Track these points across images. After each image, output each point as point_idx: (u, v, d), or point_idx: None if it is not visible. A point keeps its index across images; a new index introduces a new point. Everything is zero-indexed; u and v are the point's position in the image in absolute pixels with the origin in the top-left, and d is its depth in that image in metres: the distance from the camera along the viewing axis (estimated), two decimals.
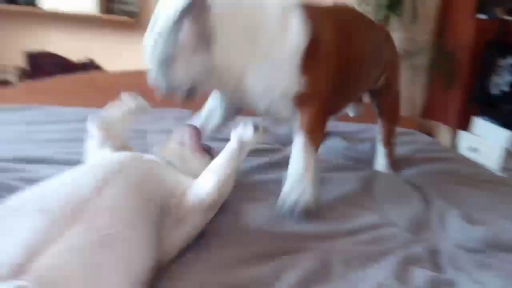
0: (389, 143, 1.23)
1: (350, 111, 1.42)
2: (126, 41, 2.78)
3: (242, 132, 0.80)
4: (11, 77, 2.67)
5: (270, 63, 0.83)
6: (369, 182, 1.08)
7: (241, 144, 0.78)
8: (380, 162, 1.22)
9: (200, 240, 0.69)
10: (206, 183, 0.69)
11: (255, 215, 0.83)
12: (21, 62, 2.75)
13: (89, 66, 2.75)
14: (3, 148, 1.03)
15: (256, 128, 0.81)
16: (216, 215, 0.72)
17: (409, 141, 1.51)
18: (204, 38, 0.78)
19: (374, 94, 1.23)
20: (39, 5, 2.55)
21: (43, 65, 2.69)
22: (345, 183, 1.05)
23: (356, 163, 1.22)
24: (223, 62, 0.82)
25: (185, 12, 0.76)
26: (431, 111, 3.02)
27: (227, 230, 0.75)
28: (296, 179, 0.85)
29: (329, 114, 0.97)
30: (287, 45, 0.84)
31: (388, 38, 1.22)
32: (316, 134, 0.89)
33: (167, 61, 0.78)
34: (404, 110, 2.87)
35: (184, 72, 0.81)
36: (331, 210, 0.90)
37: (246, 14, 0.83)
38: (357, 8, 2.65)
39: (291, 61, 0.84)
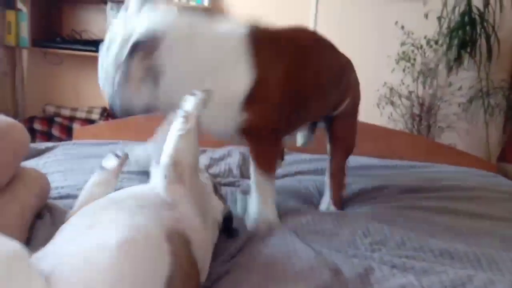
0: (337, 175, 1.15)
1: (299, 139, 1.32)
2: None
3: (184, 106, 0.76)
4: (96, 116, 2.93)
5: (215, 100, 0.83)
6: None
7: (185, 114, 0.73)
8: (325, 198, 1.15)
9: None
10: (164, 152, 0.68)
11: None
12: (103, 103, 3.03)
13: None
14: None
15: (193, 93, 0.77)
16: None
17: (491, 184, 1.43)
18: (152, 73, 0.81)
19: (330, 120, 1.17)
20: None
21: None
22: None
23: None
24: (170, 95, 0.84)
25: (136, 47, 0.80)
26: (509, 154, 2.82)
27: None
28: (258, 208, 0.93)
29: (281, 136, 0.99)
30: (231, 87, 0.86)
31: (350, 65, 1.19)
32: (268, 165, 0.93)
33: (117, 87, 0.82)
34: (479, 151, 2.74)
35: (135, 99, 0.84)
36: None
37: (195, 51, 0.85)
38: (426, 47, 2.64)
39: (234, 101, 0.87)
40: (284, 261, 0.77)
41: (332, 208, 1.13)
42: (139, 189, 0.68)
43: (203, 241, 0.65)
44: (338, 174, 1.16)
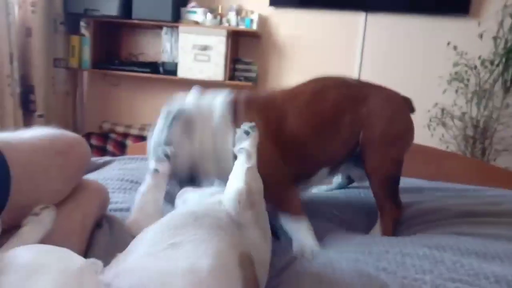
0: (382, 208, 1.14)
1: (333, 184, 1.47)
2: None
3: (240, 143, 0.85)
4: (147, 132, 3.07)
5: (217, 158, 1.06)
6: None
7: (247, 152, 0.82)
8: (376, 228, 1.15)
9: None
10: (231, 185, 0.73)
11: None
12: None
13: None
14: None
15: (246, 132, 0.88)
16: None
17: None
18: (188, 132, 1.05)
19: (359, 158, 1.16)
20: (177, 74, 2.95)
21: None
22: None
23: None
24: (201, 147, 1.05)
25: (175, 117, 1.06)
26: None
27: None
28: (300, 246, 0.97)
29: (294, 182, 1.09)
30: (225, 149, 1.04)
31: (366, 98, 1.15)
32: (290, 207, 1.03)
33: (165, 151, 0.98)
34: None
35: (178, 158, 1.02)
36: None
37: (204, 120, 1.07)
38: (481, 68, 2.55)
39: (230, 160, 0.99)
40: (330, 277, 0.77)
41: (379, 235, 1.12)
42: (210, 205, 0.70)
43: (265, 260, 0.68)
44: (381, 204, 1.15)
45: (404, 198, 1.38)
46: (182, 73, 2.93)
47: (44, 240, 0.64)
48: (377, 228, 1.15)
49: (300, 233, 1.00)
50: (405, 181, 1.56)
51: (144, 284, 0.49)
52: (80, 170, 0.81)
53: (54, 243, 0.55)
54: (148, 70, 3.00)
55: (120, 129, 3.13)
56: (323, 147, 1.12)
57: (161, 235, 0.58)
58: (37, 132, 0.75)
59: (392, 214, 1.14)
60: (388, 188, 1.16)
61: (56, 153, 0.74)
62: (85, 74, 3.33)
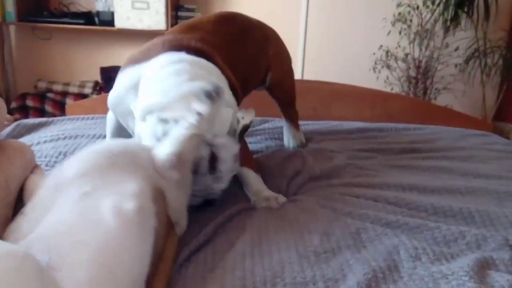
0: (290, 118, 1.39)
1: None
2: None
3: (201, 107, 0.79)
4: (88, 90, 2.90)
5: None
6: None
7: (201, 118, 0.77)
8: (286, 134, 1.38)
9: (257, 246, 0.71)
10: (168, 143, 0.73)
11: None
12: (95, 77, 2.99)
13: None
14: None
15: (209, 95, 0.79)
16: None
17: (486, 143, 1.43)
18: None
19: (269, 92, 1.35)
20: (114, 25, 2.75)
21: (115, 78, 2.90)
22: None
23: None
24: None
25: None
26: (505, 113, 2.81)
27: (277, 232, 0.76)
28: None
29: None
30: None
31: (268, 38, 1.27)
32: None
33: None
34: (476, 112, 2.72)
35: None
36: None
37: None
38: (423, 8, 2.58)
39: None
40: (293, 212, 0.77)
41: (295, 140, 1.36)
42: (131, 144, 0.73)
43: (177, 201, 0.71)
44: (291, 114, 1.41)
45: (348, 139, 1.41)
46: (119, 23, 2.73)
47: None
48: (290, 133, 1.38)
49: (254, 183, 0.98)
50: (350, 124, 1.59)
51: (58, 244, 0.49)
52: None
53: None
54: (81, 21, 2.77)
55: (58, 87, 2.92)
56: (246, 78, 1.13)
57: (71, 185, 0.59)
58: None
59: (297, 117, 1.43)
60: (293, 103, 1.42)
61: None
62: (12, 28, 3.03)
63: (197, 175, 0.79)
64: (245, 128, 0.89)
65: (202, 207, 0.86)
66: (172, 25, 2.77)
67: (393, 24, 2.68)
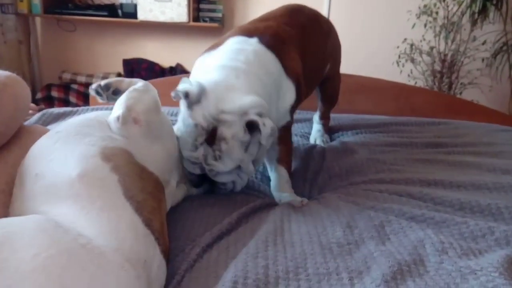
0: (325, 118, 1.38)
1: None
2: None
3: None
4: None
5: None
6: None
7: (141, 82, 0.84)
8: (316, 133, 1.34)
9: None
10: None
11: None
12: (119, 69, 3.03)
13: (177, 70, 2.93)
14: None
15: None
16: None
17: None
18: None
19: (320, 87, 1.36)
20: (137, 17, 2.78)
21: (137, 70, 2.93)
22: None
23: None
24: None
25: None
26: None
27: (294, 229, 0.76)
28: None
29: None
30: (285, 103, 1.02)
31: (330, 30, 1.28)
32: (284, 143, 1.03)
33: None
34: (503, 107, 2.64)
35: None
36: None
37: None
38: (449, 0, 2.51)
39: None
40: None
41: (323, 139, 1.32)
42: (83, 119, 0.78)
43: (151, 155, 0.75)
44: (325, 116, 1.40)
45: (371, 133, 1.39)
46: (142, 15, 2.76)
47: None
48: (319, 133, 1.35)
49: (282, 182, 0.97)
50: (372, 118, 1.57)
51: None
52: (18, 110, 0.76)
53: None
54: (105, 13, 2.81)
55: (82, 79, 2.97)
56: (314, 72, 1.15)
57: (25, 170, 0.67)
58: None
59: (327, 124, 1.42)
60: (336, 102, 1.43)
61: None
62: (38, 20, 3.10)
63: (195, 141, 0.83)
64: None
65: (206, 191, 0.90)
66: (194, 18, 2.78)
67: (418, 16, 2.62)
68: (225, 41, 0.97)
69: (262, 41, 0.95)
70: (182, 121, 0.87)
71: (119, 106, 0.76)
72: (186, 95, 0.83)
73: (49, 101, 2.89)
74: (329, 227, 0.74)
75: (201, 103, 0.83)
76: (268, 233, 0.71)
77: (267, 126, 0.82)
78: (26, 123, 1.37)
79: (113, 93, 0.87)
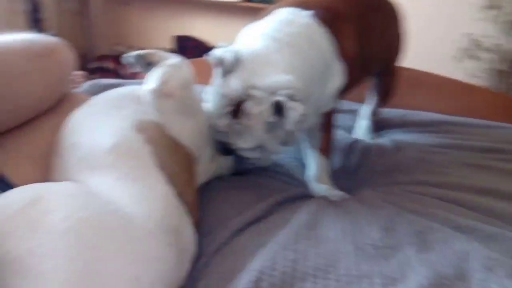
0: (375, 114, 1.30)
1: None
2: None
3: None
4: None
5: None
6: None
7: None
8: (364, 129, 1.27)
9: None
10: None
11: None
12: (169, 45, 3.06)
13: None
14: None
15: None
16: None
17: None
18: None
19: (378, 77, 1.26)
20: None
21: (188, 48, 2.95)
22: None
23: None
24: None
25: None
26: None
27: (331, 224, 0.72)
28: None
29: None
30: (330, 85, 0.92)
31: (396, 14, 1.18)
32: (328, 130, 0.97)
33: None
34: None
35: None
36: None
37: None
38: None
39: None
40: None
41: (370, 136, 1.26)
42: (126, 91, 0.80)
43: (184, 130, 0.75)
44: (378, 111, 1.32)
45: (421, 132, 1.31)
46: None
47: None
48: (368, 130, 1.28)
49: (320, 169, 0.93)
50: (424, 115, 1.48)
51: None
52: (63, 76, 0.77)
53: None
54: None
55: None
56: (370, 60, 1.06)
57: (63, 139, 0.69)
58: (15, 36, 0.69)
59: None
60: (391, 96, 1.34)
61: (35, 56, 0.70)
62: None
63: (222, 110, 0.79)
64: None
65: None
66: None
67: (482, 10, 2.44)
68: (276, 11, 0.90)
69: (317, 15, 0.87)
70: (214, 87, 0.83)
71: (153, 79, 0.76)
72: (220, 62, 0.79)
73: (102, 72, 2.98)
74: (366, 227, 0.70)
75: (234, 72, 0.78)
76: (301, 226, 0.68)
77: (297, 111, 0.74)
78: (74, 91, 1.41)
79: (148, 64, 0.87)
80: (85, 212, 0.50)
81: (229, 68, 0.78)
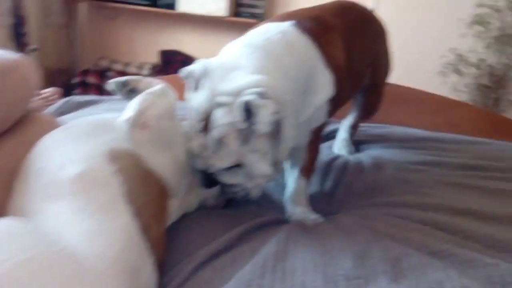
0: (355, 127, 1.28)
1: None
2: None
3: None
4: (145, 72, 2.95)
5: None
6: None
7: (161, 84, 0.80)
8: (342, 143, 1.25)
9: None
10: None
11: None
12: (155, 59, 3.04)
13: None
14: None
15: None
16: None
17: None
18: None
19: (363, 94, 1.24)
20: (176, 8, 2.77)
21: (174, 63, 2.93)
22: None
23: None
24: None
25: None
26: None
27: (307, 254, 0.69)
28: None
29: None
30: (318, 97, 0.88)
31: (383, 32, 1.19)
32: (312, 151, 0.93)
33: None
34: None
35: None
36: None
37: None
38: (507, 10, 2.34)
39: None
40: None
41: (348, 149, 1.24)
42: (98, 119, 0.77)
43: (159, 162, 0.72)
44: (358, 125, 1.31)
45: (406, 148, 1.29)
46: (181, 6, 2.75)
47: None
48: (346, 143, 1.26)
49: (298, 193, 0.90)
50: (405, 130, 1.47)
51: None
52: (24, 96, 0.74)
53: None
54: (146, 2, 2.82)
55: (119, 66, 3.01)
56: (356, 75, 1.05)
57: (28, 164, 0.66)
58: None
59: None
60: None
61: None
62: (82, 6, 3.15)
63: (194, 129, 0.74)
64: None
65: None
66: (234, 13, 2.74)
67: (470, 26, 2.46)
68: (262, 24, 0.87)
69: (299, 24, 0.83)
70: (186, 103, 0.78)
71: (131, 108, 0.73)
72: (191, 76, 0.75)
73: (85, 87, 2.94)
74: (339, 255, 0.67)
75: (203, 84, 0.73)
76: (269, 257, 0.65)
77: (267, 109, 0.66)
78: (51, 108, 1.38)
79: (130, 91, 0.84)
80: (24, 255, 0.46)
81: (198, 80, 0.75)
